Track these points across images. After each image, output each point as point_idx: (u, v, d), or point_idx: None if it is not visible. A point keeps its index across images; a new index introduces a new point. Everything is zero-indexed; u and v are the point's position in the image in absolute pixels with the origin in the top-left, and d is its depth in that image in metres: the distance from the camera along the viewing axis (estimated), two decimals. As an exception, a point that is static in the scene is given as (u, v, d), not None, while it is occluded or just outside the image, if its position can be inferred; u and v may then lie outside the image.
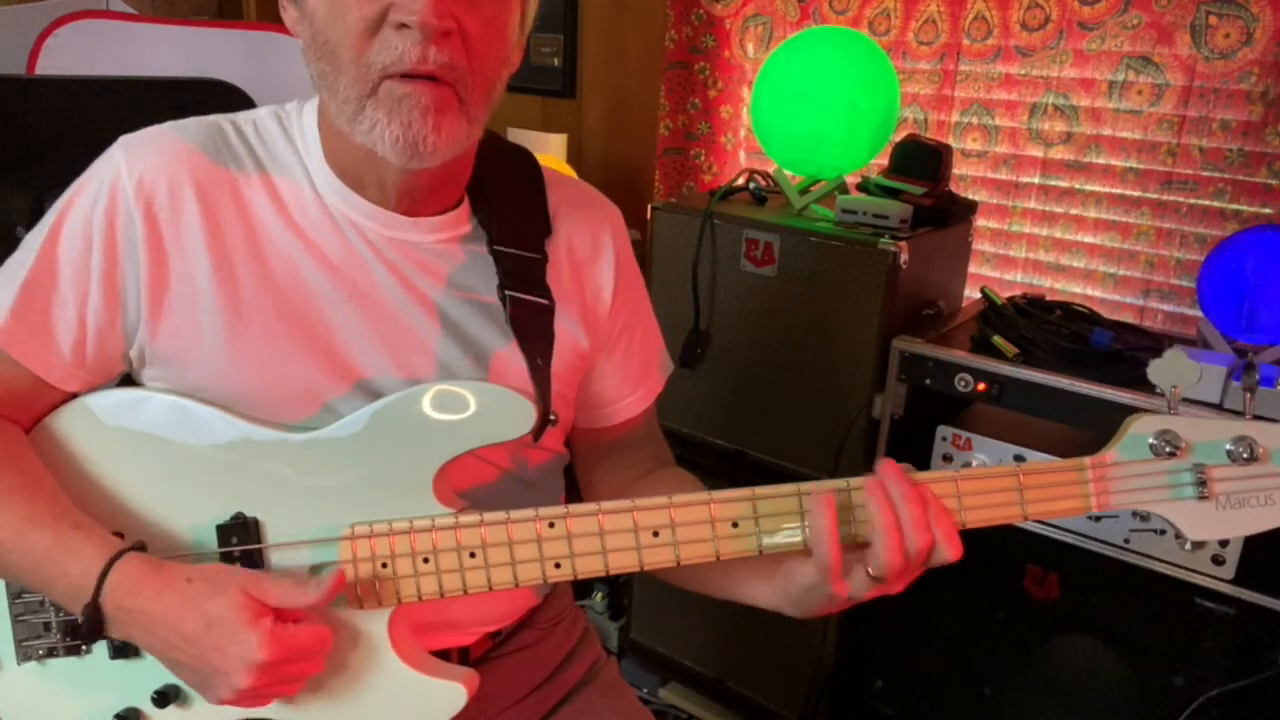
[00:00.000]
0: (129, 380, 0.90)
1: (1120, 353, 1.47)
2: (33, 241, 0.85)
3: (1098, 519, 1.41)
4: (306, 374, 0.85)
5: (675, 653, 2.03)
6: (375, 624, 0.83)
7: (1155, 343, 1.54)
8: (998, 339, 1.54)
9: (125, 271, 0.83)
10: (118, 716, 0.86)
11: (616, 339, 1.01)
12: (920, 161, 1.73)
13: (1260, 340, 1.46)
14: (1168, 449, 0.77)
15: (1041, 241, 1.93)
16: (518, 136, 2.58)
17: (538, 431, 0.86)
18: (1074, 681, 1.48)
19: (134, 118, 0.92)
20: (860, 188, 1.80)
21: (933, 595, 1.59)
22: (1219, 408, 1.33)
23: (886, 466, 0.78)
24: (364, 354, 0.86)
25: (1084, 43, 1.79)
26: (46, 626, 0.87)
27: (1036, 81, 1.87)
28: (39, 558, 0.78)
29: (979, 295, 1.79)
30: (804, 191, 1.82)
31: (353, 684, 0.84)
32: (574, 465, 1.08)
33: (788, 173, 1.83)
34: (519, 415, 0.82)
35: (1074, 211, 1.88)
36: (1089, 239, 1.87)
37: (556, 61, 2.59)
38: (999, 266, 2.00)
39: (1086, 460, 0.78)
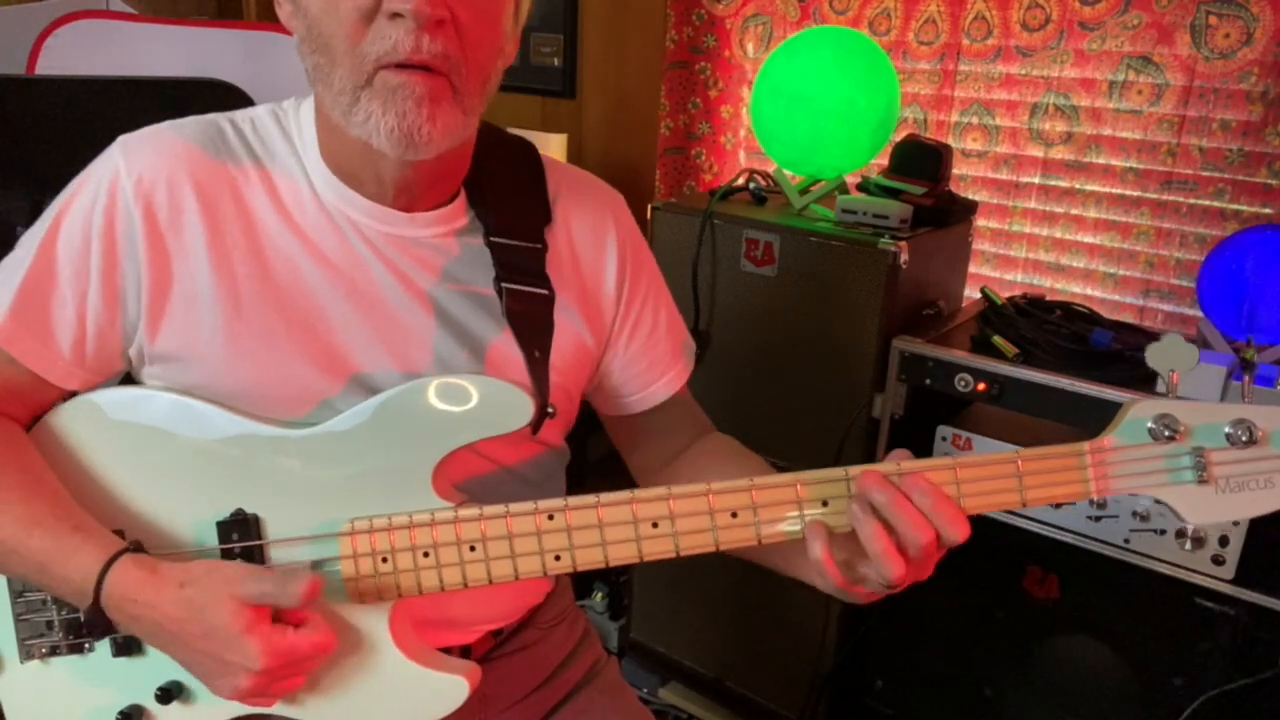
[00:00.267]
0: (129, 379, 0.90)
1: (1120, 353, 1.47)
2: (31, 240, 0.85)
3: (1098, 519, 1.41)
4: (305, 371, 0.85)
5: (675, 653, 2.03)
6: (376, 619, 0.84)
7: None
8: (998, 339, 1.54)
9: (125, 270, 0.83)
10: (121, 714, 0.86)
11: (633, 325, 1.00)
12: (920, 161, 1.73)
13: (1260, 340, 1.46)
14: (1166, 433, 0.76)
15: (1042, 241, 1.93)
16: (518, 136, 2.58)
17: (536, 424, 0.86)
18: (1074, 681, 1.48)
19: (134, 118, 0.92)
20: (860, 188, 1.80)
21: (933, 595, 1.59)
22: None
23: (864, 480, 0.77)
24: (362, 351, 0.87)
25: (1084, 43, 1.79)
26: (49, 625, 0.87)
27: (1037, 81, 1.87)
28: (40, 559, 0.79)
29: (979, 295, 1.79)
30: (804, 191, 1.82)
31: (355, 678, 0.84)
32: (616, 450, 1.09)
33: (788, 173, 1.83)
34: (517, 408, 0.82)
35: (1074, 211, 1.88)
36: (1089, 239, 1.87)
37: (556, 61, 2.59)
38: (999, 266, 2.00)
39: (1085, 445, 0.78)
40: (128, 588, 0.77)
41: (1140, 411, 0.77)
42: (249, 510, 0.83)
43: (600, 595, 2.35)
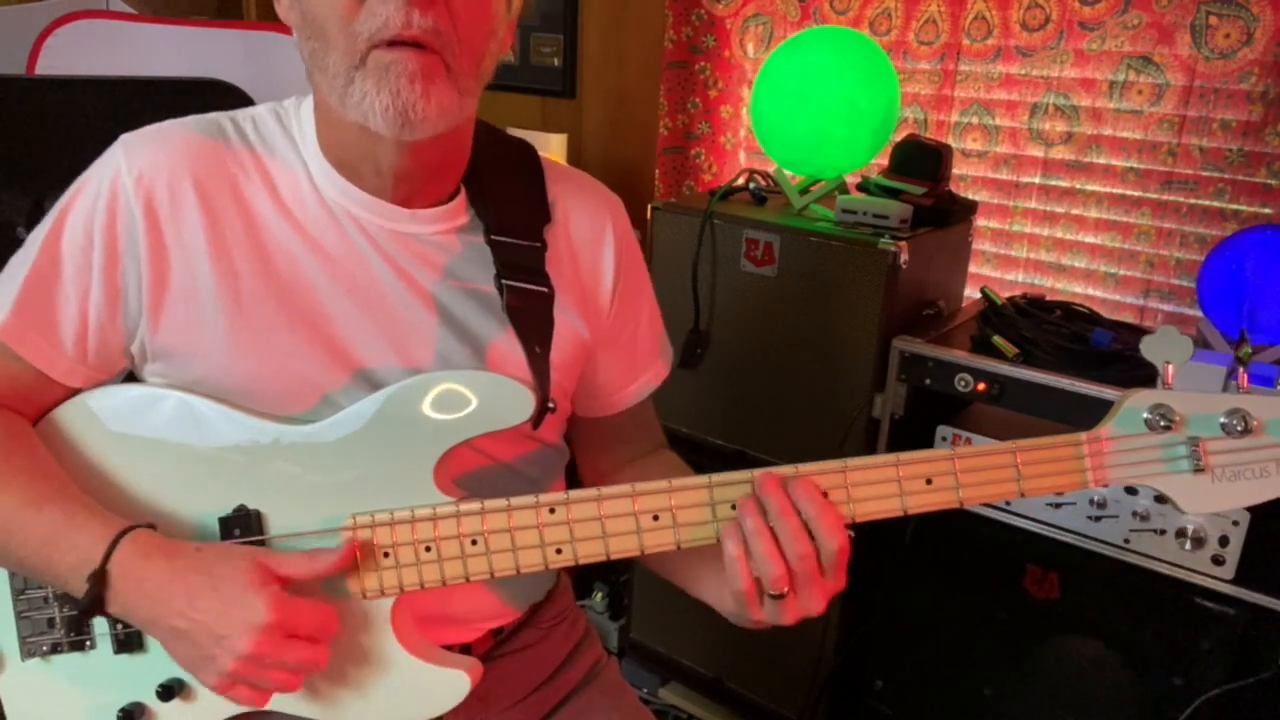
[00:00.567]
0: (131, 377, 0.91)
1: (1120, 353, 1.47)
2: (35, 239, 0.86)
3: (1098, 519, 1.41)
4: (306, 366, 0.85)
5: (675, 653, 2.03)
6: (378, 614, 0.84)
7: (1155, 343, 1.54)
8: (998, 339, 1.54)
9: (126, 267, 0.84)
10: (122, 711, 0.86)
11: (620, 327, 1.01)
12: (920, 161, 1.73)
13: (1260, 340, 1.46)
14: (1162, 423, 0.77)
15: (1042, 241, 1.93)
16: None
17: (537, 419, 0.86)
18: (1074, 681, 1.48)
19: (134, 118, 0.92)
20: (860, 188, 1.80)
21: (933, 595, 1.59)
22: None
23: (762, 485, 0.78)
24: (363, 346, 0.87)
25: (1084, 43, 1.79)
26: (50, 623, 0.87)
27: (1037, 81, 1.87)
28: (46, 534, 0.79)
29: (979, 295, 1.79)
30: (804, 191, 1.82)
31: (358, 674, 0.85)
32: (571, 451, 1.09)
33: (788, 173, 1.83)
34: (517, 402, 0.83)
35: (1074, 211, 1.88)
36: (1089, 239, 1.87)
37: (556, 61, 2.59)
38: (1000, 266, 2.00)
39: (1083, 436, 0.79)
40: (141, 546, 0.78)
41: (1137, 402, 0.78)
42: (251, 506, 0.83)
43: (600, 595, 2.34)
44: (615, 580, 2.33)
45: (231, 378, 0.85)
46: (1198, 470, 0.77)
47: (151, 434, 0.85)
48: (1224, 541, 1.31)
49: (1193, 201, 1.75)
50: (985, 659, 1.56)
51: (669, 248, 1.81)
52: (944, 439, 1.53)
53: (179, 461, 0.84)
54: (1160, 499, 0.81)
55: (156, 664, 0.86)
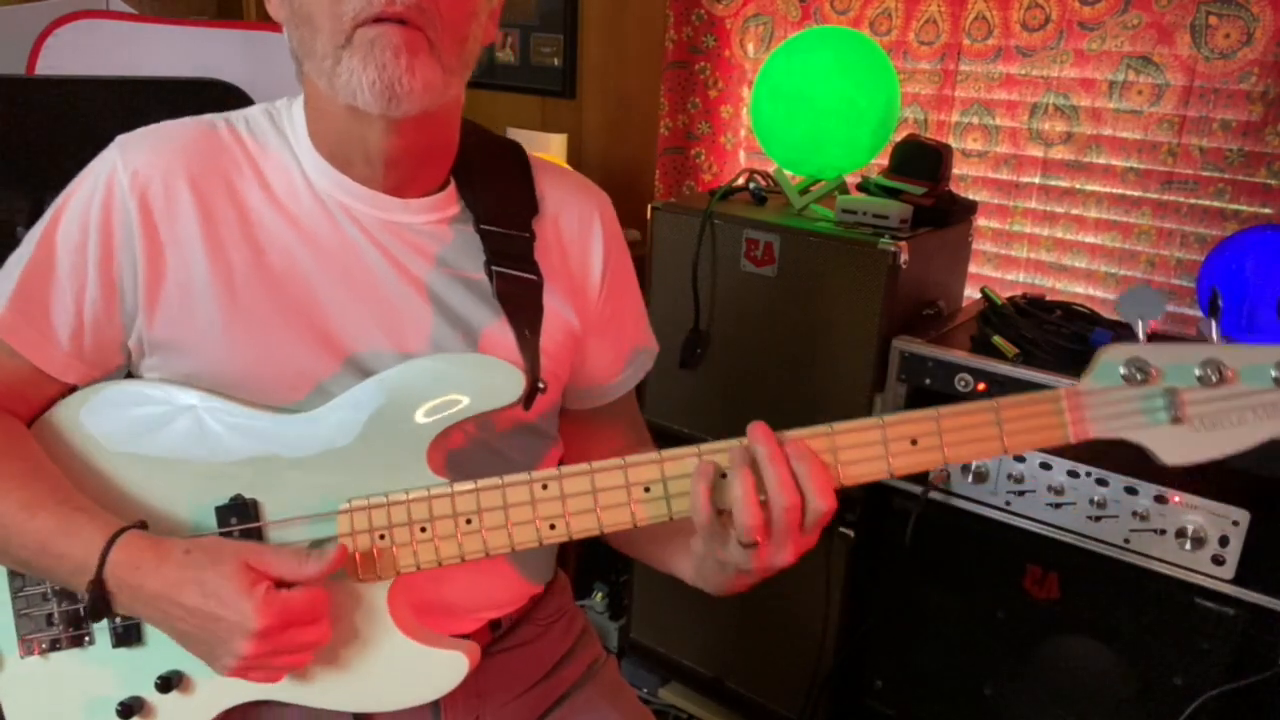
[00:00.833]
0: (129, 375, 0.92)
1: (1120, 353, 1.47)
2: (32, 236, 0.87)
3: (1098, 519, 1.41)
4: (300, 355, 0.87)
5: (675, 653, 2.03)
6: (375, 598, 0.85)
7: (1155, 343, 1.54)
8: (998, 339, 1.54)
9: (121, 262, 0.85)
10: (121, 705, 0.87)
11: (609, 319, 1.03)
12: (920, 161, 1.73)
13: (1260, 339, 1.46)
14: (1139, 376, 0.78)
15: (1043, 241, 1.93)
16: (517, 136, 2.57)
17: (528, 399, 0.87)
18: (1074, 681, 1.48)
19: (134, 118, 0.93)
20: (860, 188, 1.80)
21: (933, 595, 1.59)
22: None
23: (754, 431, 0.79)
24: (356, 335, 0.88)
25: (1084, 43, 1.79)
26: (49, 619, 0.88)
27: (1037, 81, 1.87)
28: (42, 540, 0.80)
29: (979, 295, 1.79)
30: (804, 191, 1.82)
31: (356, 658, 0.85)
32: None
33: (788, 173, 1.83)
34: (508, 382, 0.84)
35: (1075, 211, 1.88)
36: (1090, 239, 1.87)
37: (556, 61, 2.59)
38: (1000, 266, 2.00)
39: (1061, 391, 0.79)
40: (132, 558, 0.79)
41: (1113, 356, 0.79)
42: (247, 495, 0.84)
43: (600, 595, 2.35)
44: (615, 580, 2.33)
45: (226, 369, 0.86)
46: (1176, 421, 0.78)
47: (147, 428, 0.86)
48: (1224, 541, 1.31)
49: (1193, 201, 1.75)
50: (985, 659, 1.56)
51: (669, 248, 1.81)
52: (944, 439, 1.53)
53: (175, 453, 0.85)
54: (1141, 453, 0.81)
55: (155, 656, 0.86)
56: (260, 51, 2.11)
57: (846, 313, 1.62)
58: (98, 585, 0.78)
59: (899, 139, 1.79)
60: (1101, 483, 1.40)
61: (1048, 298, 1.74)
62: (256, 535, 0.84)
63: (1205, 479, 1.36)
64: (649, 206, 1.86)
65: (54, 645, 0.88)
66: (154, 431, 0.86)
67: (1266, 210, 1.67)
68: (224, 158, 0.88)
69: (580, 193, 1.02)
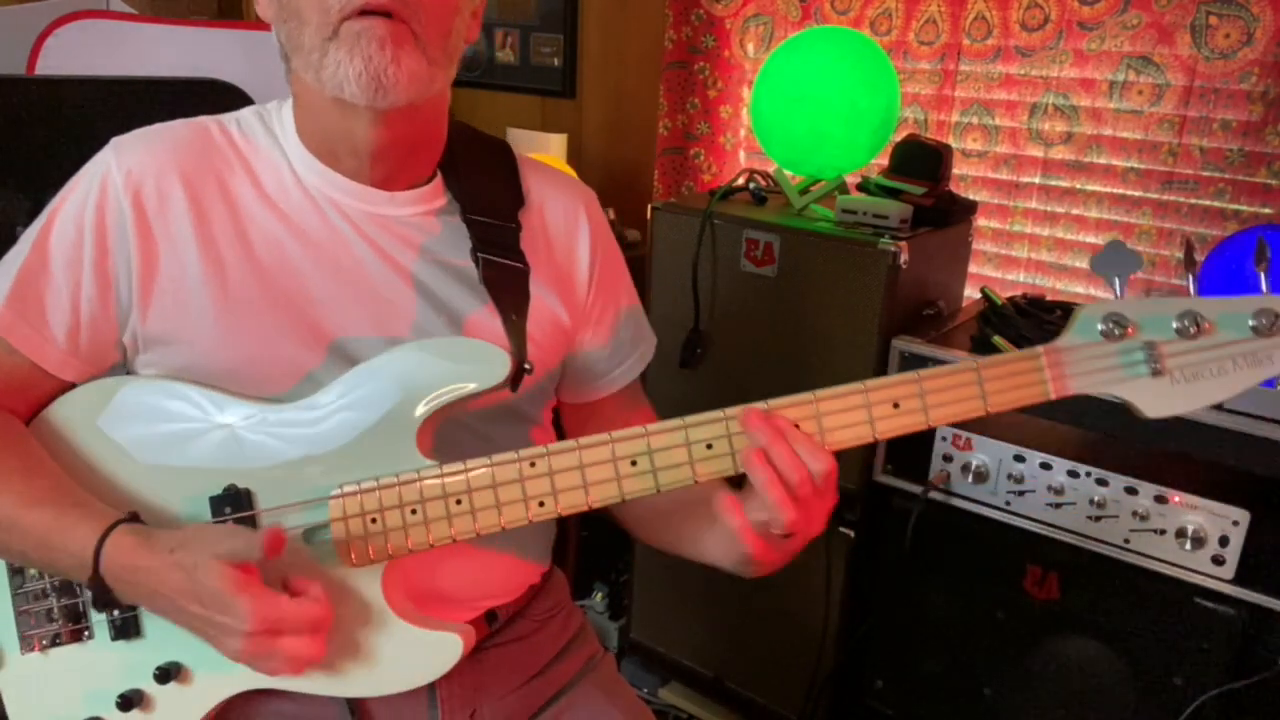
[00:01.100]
0: (126, 372, 0.93)
1: (1120, 353, 1.47)
2: (28, 236, 0.89)
3: (1098, 519, 1.41)
4: (290, 347, 0.88)
5: (675, 653, 2.03)
6: (369, 583, 0.85)
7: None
8: (998, 339, 1.54)
9: (116, 259, 0.87)
10: (121, 697, 0.87)
11: (601, 312, 1.04)
12: (920, 161, 1.73)
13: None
14: (1117, 330, 0.78)
15: (1043, 241, 1.93)
16: (518, 136, 2.58)
17: (515, 380, 0.88)
18: (1074, 681, 1.48)
19: (134, 118, 0.95)
20: (860, 188, 1.80)
21: (933, 595, 1.59)
22: (1219, 408, 1.33)
23: (749, 420, 0.80)
24: (345, 326, 0.90)
25: (1084, 43, 1.79)
26: (49, 615, 0.88)
27: (1037, 81, 1.87)
28: (41, 535, 0.82)
29: (979, 295, 1.79)
30: (804, 191, 1.82)
31: (353, 644, 0.86)
32: None
33: (788, 173, 1.83)
34: (493, 362, 0.85)
35: (1075, 211, 1.88)
36: (1090, 239, 1.87)
37: (556, 61, 2.59)
38: (1001, 266, 2.00)
39: (1040, 349, 0.80)
40: (124, 555, 0.79)
41: (1091, 312, 0.80)
42: (240, 485, 0.85)
43: (600, 595, 2.34)
44: (615, 580, 2.33)
45: (218, 362, 0.87)
46: (1156, 374, 0.79)
47: (141, 422, 0.87)
48: (1224, 541, 1.31)
49: (1193, 201, 1.75)
50: (985, 659, 1.56)
51: (669, 248, 1.81)
52: (944, 439, 1.53)
53: (169, 446, 0.86)
54: (1124, 408, 0.81)
55: (153, 648, 0.87)
56: (260, 51, 2.11)
57: (846, 313, 1.62)
58: (97, 583, 0.80)
59: (899, 139, 1.79)
60: (1101, 483, 1.40)
61: (1048, 298, 1.74)
62: (250, 524, 0.85)
63: (1205, 479, 1.36)
64: (649, 206, 1.86)
65: (54, 641, 0.89)
66: (150, 426, 0.87)
67: (1267, 210, 1.67)
68: (215, 156, 0.90)
69: (566, 187, 1.04)
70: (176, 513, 0.86)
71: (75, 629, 0.88)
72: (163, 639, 0.86)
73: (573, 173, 2.26)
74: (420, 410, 0.84)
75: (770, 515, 0.78)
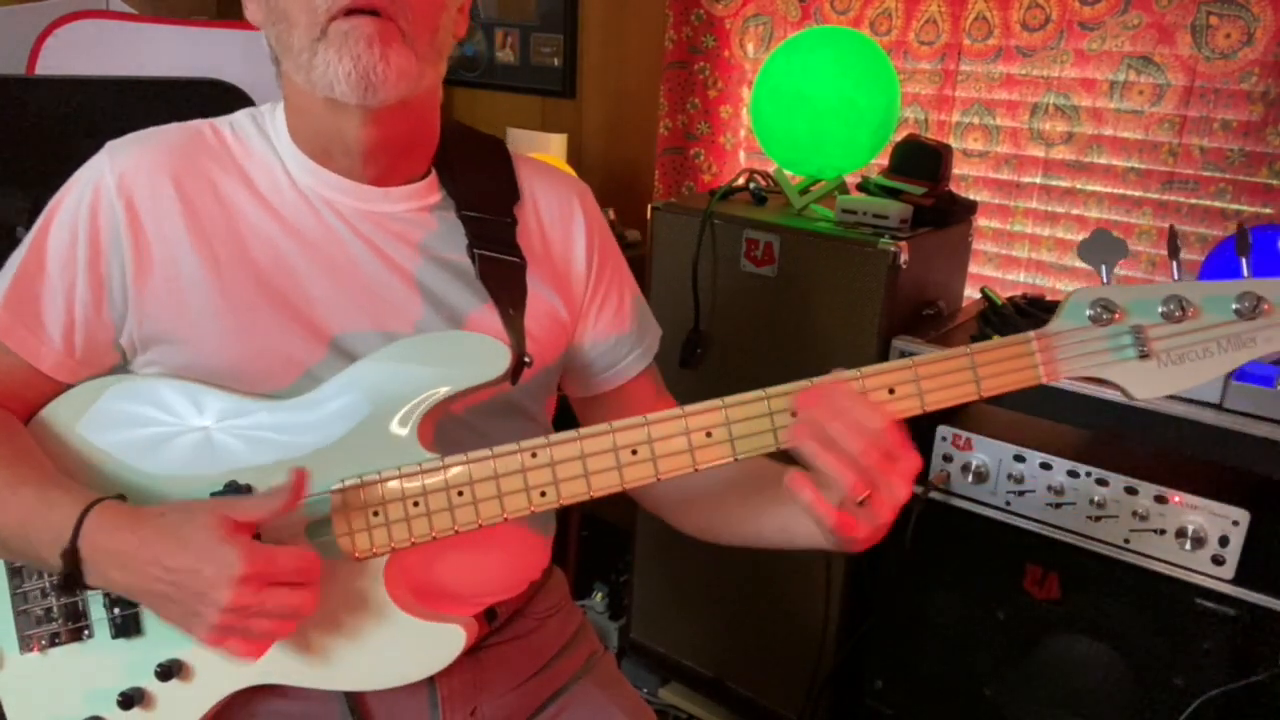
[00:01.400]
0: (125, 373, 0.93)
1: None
2: (26, 240, 0.90)
3: (1098, 519, 1.41)
4: (288, 344, 0.89)
5: (675, 653, 2.03)
6: (371, 576, 0.85)
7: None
8: (997, 339, 1.53)
9: (110, 260, 0.88)
10: (122, 695, 0.87)
11: (601, 303, 1.04)
12: (920, 161, 1.73)
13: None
14: (1105, 315, 0.80)
15: (1044, 241, 1.93)
16: (518, 136, 2.58)
17: (514, 374, 0.89)
18: (1074, 681, 1.48)
19: (134, 118, 0.96)
20: (860, 188, 1.80)
21: (933, 595, 1.59)
22: (1219, 408, 1.33)
23: (804, 399, 0.79)
24: (342, 322, 0.90)
25: (1085, 43, 1.79)
26: (48, 614, 0.88)
27: (1037, 81, 1.86)
28: (23, 514, 0.82)
29: (979, 295, 1.79)
30: (804, 191, 1.82)
31: (355, 636, 0.86)
32: None
33: (788, 173, 1.83)
34: (492, 355, 0.86)
35: (1075, 211, 1.88)
36: (1089, 239, 1.87)
37: (556, 61, 2.59)
38: (1001, 266, 2.00)
39: (1031, 334, 0.82)
40: (106, 521, 0.80)
41: (1079, 298, 0.82)
42: (241, 481, 0.85)
43: (600, 595, 2.35)
44: (615, 580, 2.33)
45: (217, 360, 0.88)
46: (1143, 357, 0.80)
47: (141, 422, 0.87)
48: (1224, 541, 1.31)
49: (1193, 201, 1.75)
50: (985, 659, 1.56)
51: (669, 248, 1.81)
52: (944, 439, 1.53)
53: (169, 444, 0.87)
54: (1116, 390, 0.82)
55: (154, 646, 0.87)
56: (260, 51, 2.10)
57: (846, 313, 1.62)
58: (71, 554, 0.79)
59: (899, 139, 1.79)
60: (1101, 483, 1.40)
61: (1048, 298, 1.74)
62: None
63: (1205, 479, 1.36)
64: (649, 207, 1.86)
65: (53, 640, 0.88)
66: (148, 425, 0.87)
67: (1267, 210, 1.67)
68: (208, 158, 0.91)
69: (560, 182, 1.05)
70: None
71: (75, 628, 0.88)
72: (164, 636, 0.86)
73: (572, 172, 2.27)
74: (421, 405, 0.85)
75: (832, 484, 0.77)
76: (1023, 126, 1.90)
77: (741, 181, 1.94)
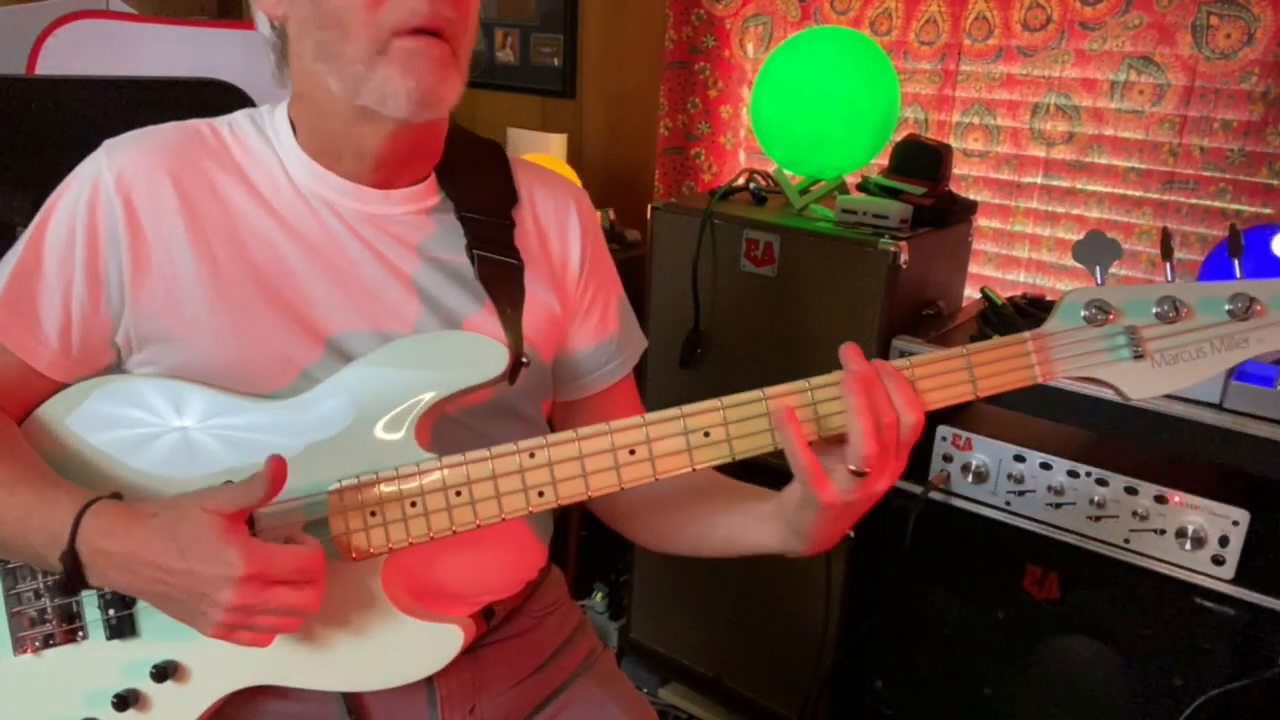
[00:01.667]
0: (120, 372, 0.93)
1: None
2: (22, 238, 0.90)
3: (1098, 519, 1.41)
4: (285, 344, 0.88)
5: (675, 653, 2.03)
6: (369, 577, 0.85)
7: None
8: (993, 339, 1.53)
9: (107, 259, 0.87)
10: (117, 697, 0.87)
11: (589, 307, 1.05)
12: (920, 161, 1.73)
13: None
14: (1100, 315, 0.81)
15: (1044, 241, 1.93)
16: (518, 136, 2.58)
17: (512, 373, 0.89)
18: (1074, 681, 1.48)
19: (134, 118, 0.96)
20: (860, 188, 1.80)
21: (933, 595, 1.59)
22: (1219, 408, 1.33)
23: (849, 352, 0.80)
24: (339, 323, 0.90)
25: (1085, 43, 1.79)
26: (42, 615, 0.88)
27: (1038, 81, 1.86)
28: (20, 514, 0.81)
29: (979, 295, 1.79)
30: (804, 191, 1.82)
31: (352, 636, 0.86)
32: None
33: (788, 173, 1.83)
34: (491, 355, 0.86)
35: (1076, 211, 1.88)
36: (1090, 239, 1.87)
37: (556, 61, 2.59)
38: (1002, 266, 2.00)
39: (1027, 334, 0.83)
40: (103, 525, 0.79)
41: (1075, 299, 0.82)
42: (238, 481, 0.84)
43: (600, 595, 2.35)
44: (615, 580, 2.33)
45: (213, 360, 0.88)
46: (1138, 357, 0.81)
47: (136, 422, 0.87)
48: (1224, 541, 1.31)
49: (1194, 201, 1.75)
50: (985, 659, 1.56)
51: (669, 248, 1.81)
52: (944, 439, 1.53)
53: (165, 444, 0.86)
54: (1111, 391, 0.84)
55: (149, 647, 0.87)
56: (260, 51, 2.11)
57: (846, 313, 1.62)
58: (71, 556, 0.79)
59: (899, 139, 1.79)
60: (1101, 483, 1.40)
61: (1048, 298, 1.74)
62: (248, 520, 0.84)
63: (1205, 479, 1.36)
64: (649, 206, 1.86)
65: (48, 641, 0.88)
66: (143, 426, 0.87)
67: (1267, 210, 1.67)
68: (207, 157, 0.91)
69: (557, 185, 1.06)
70: None
71: (69, 629, 0.88)
72: (159, 637, 0.86)
73: (572, 173, 2.26)
74: (419, 405, 0.85)
75: (851, 447, 0.78)
76: (1023, 126, 1.90)
77: (741, 181, 1.94)
